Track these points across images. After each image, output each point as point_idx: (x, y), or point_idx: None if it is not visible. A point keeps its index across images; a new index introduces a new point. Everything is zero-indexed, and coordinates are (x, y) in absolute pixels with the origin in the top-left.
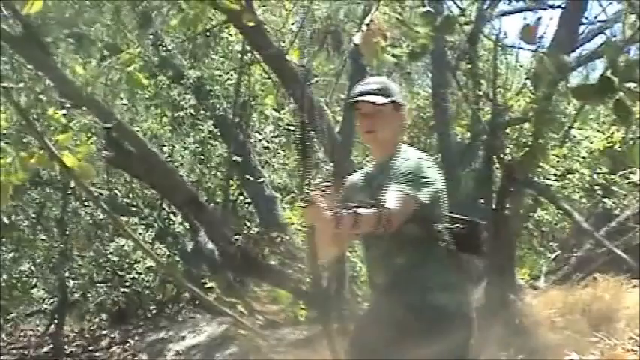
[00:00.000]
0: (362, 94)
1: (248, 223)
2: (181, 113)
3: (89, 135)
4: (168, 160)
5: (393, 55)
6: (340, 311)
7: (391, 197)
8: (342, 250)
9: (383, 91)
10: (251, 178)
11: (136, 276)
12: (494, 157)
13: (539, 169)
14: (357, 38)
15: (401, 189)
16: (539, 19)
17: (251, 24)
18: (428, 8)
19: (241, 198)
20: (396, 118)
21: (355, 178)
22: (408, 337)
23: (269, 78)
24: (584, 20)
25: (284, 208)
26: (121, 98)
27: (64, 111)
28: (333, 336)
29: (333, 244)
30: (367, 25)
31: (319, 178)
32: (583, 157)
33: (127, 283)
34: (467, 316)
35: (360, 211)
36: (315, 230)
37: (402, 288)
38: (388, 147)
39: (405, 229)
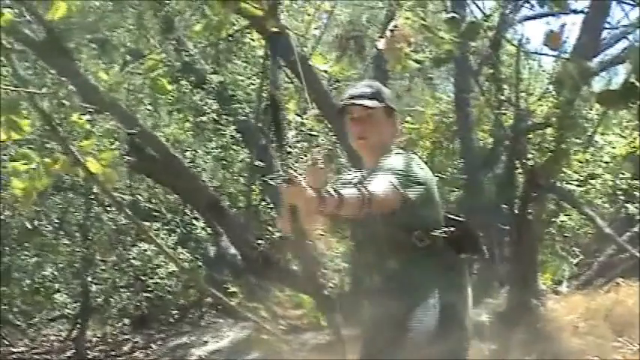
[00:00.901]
0: (353, 97)
1: (270, 228)
2: (204, 118)
3: (112, 140)
4: (191, 165)
5: (416, 61)
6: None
7: (376, 183)
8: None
9: (374, 95)
10: (273, 183)
11: (159, 281)
12: (517, 162)
13: (562, 174)
14: (381, 44)
15: (387, 178)
16: (563, 25)
17: (274, 29)
18: (452, 14)
19: (263, 203)
20: (388, 124)
21: (348, 176)
22: (402, 341)
23: (291, 83)
24: (606, 25)
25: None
26: (144, 103)
27: (88, 116)
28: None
29: (312, 222)
30: (391, 30)
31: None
32: (606, 162)
33: (150, 288)
34: (461, 322)
35: (344, 192)
36: (294, 209)
37: (394, 293)
38: (380, 153)
39: (396, 232)
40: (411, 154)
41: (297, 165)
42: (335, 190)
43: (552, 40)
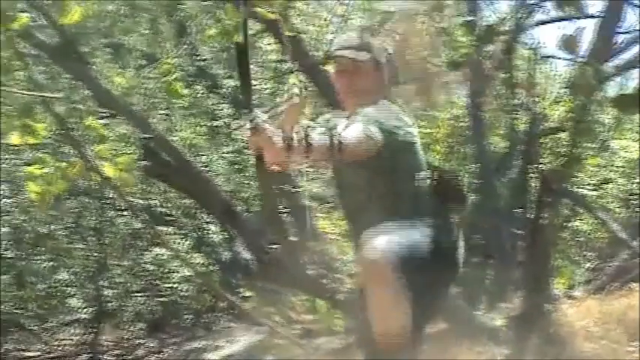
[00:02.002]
0: (340, 48)
1: (284, 233)
2: (218, 123)
3: (126, 145)
4: (205, 169)
5: (432, 65)
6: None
7: (348, 130)
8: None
9: (363, 47)
10: (287, 188)
11: (173, 285)
12: (531, 166)
13: (576, 179)
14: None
15: (360, 126)
16: (581, 28)
17: (289, 34)
18: (469, 18)
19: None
20: (375, 77)
21: (325, 120)
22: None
23: (306, 88)
24: (620, 29)
25: (320, 217)
26: (158, 108)
27: (104, 121)
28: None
29: (279, 167)
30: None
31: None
32: (620, 167)
33: (164, 293)
34: (453, 257)
35: (313, 139)
36: (260, 156)
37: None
38: (365, 106)
39: (374, 181)
40: (391, 102)
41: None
42: (303, 137)
43: (569, 43)
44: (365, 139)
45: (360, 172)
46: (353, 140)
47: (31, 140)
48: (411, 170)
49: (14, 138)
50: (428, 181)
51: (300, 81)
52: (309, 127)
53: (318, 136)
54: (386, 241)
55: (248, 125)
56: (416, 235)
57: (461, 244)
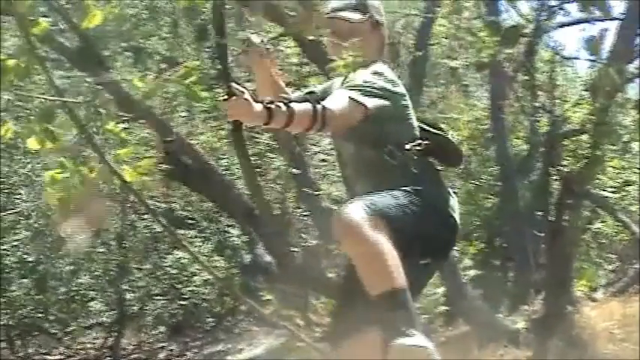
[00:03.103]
0: (335, 10)
1: (305, 236)
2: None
3: (147, 148)
4: (226, 172)
5: (451, 68)
6: None
7: (333, 98)
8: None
9: (359, 7)
10: (308, 191)
11: (194, 289)
12: (552, 168)
13: (597, 181)
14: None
15: (346, 93)
16: (604, 30)
17: (310, 37)
18: (493, 18)
19: (299, 210)
20: (373, 38)
21: (318, 89)
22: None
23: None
24: None
25: None
26: (179, 111)
27: (124, 125)
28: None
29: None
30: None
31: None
32: None
33: (185, 296)
34: (451, 217)
35: (295, 106)
36: (237, 125)
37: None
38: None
39: (366, 148)
40: (383, 65)
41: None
42: (285, 104)
43: (593, 45)
44: (350, 107)
45: (352, 141)
46: (338, 108)
47: (49, 145)
48: (403, 137)
49: (32, 142)
50: (421, 146)
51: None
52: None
53: (300, 104)
54: (356, 203)
55: (227, 92)
56: (400, 197)
57: (455, 207)
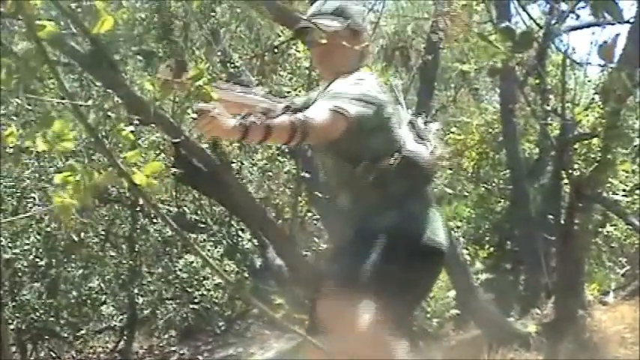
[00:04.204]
0: (312, 16)
1: (317, 240)
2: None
3: (157, 152)
4: (237, 176)
5: (462, 71)
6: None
7: (313, 109)
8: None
9: (338, 13)
10: (319, 195)
11: (205, 293)
12: (563, 172)
13: (608, 185)
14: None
15: (327, 103)
16: (617, 35)
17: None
18: (507, 24)
19: (310, 214)
20: (351, 45)
21: (299, 100)
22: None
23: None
24: None
25: None
26: (189, 114)
27: (132, 127)
28: None
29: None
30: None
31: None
32: None
33: (196, 300)
34: (438, 248)
35: (272, 120)
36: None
37: (347, 228)
38: (342, 74)
39: (343, 162)
40: (364, 74)
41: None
42: (261, 117)
43: (606, 51)
44: (331, 118)
45: (331, 153)
46: (319, 119)
47: (58, 147)
48: (384, 150)
49: (40, 144)
50: (400, 162)
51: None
52: (266, 105)
53: (278, 116)
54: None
55: (198, 110)
56: (374, 248)
57: (438, 229)
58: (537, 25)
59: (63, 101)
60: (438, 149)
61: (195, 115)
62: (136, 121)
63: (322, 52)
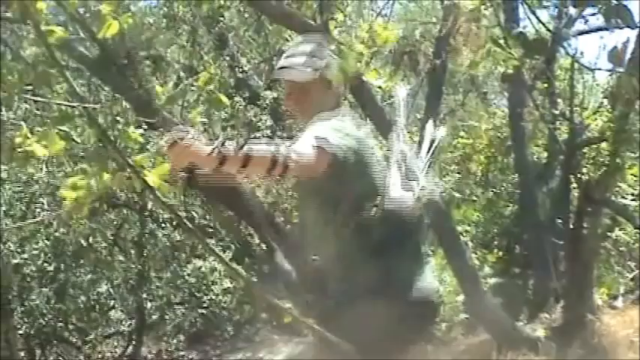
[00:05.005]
0: (283, 67)
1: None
2: (258, 134)
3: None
4: (245, 181)
5: (471, 76)
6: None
7: (298, 143)
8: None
9: (309, 63)
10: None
11: (214, 297)
12: (572, 176)
13: (617, 189)
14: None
15: (310, 139)
16: (627, 40)
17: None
18: (520, 29)
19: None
20: (325, 94)
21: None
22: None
23: (345, 99)
24: None
25: None
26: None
27: (141, 130)
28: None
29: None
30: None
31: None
32: None
33: (205, 305)
34: (428, 301)
35: (253, 148)
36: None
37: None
38: (320, 116)
39: (324, 205)
40: (340, 120)
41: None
42: (239, 146)
43: (616, 56)
44: (314, 153)
45: (313, 195)
46: (303, 153)
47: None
48: (364, 197)
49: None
50: (383, 213)
51: None
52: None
53: (258, 147)
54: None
55: (168, 139)
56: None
57: (427, 278)
58: (547, 29)
59: (74, 104)
60: (426, 190)
61: (167, 140)
62: (145, 126)
63: (296, 101)
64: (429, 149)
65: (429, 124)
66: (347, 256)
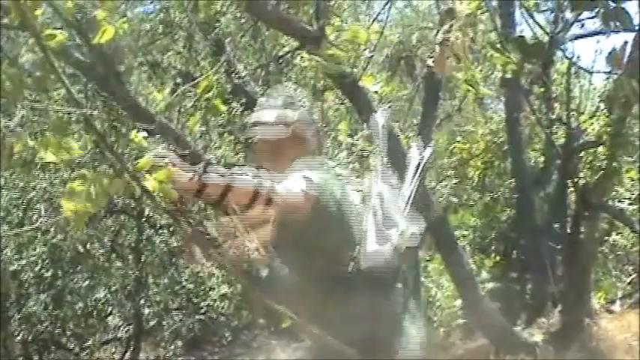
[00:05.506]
0: (255, 124)
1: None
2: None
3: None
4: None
5: (466, 81)
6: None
7: (284, 180)
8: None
9: (280, 121)
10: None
11: (211, 303)
12: (569, 180)
13: (614, 193)
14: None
15: (298, 177)
16: (625, 43)
17: (329, 52)
18: (520, 34)
19: None
20: (298, 149)
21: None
22: None
23: (342, 104)
24: None
25: None
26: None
27: (144, 133)
28: None
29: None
30: (439, 44)
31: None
32: None
33: (202, 311)
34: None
35: (234, 178)
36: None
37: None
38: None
39: (304, 249)
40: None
41: None
42: (219, 173)
43: (615, 59)
44: (301, 193)
45: (289, 238)
46: (284, 189)
47: (64, 156)
48: (341, 248)
49: (49, 156)
50: (359, 270)
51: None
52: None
53: (243, 177)
54: None
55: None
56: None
57: (413, 334)
58: (545, 32)
59: (71, 110)
60: (407, 234)
61: (143, 165)
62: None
63: (267, 158)
64: (415, 174)
65: (414, 147)
66: (322, 314)
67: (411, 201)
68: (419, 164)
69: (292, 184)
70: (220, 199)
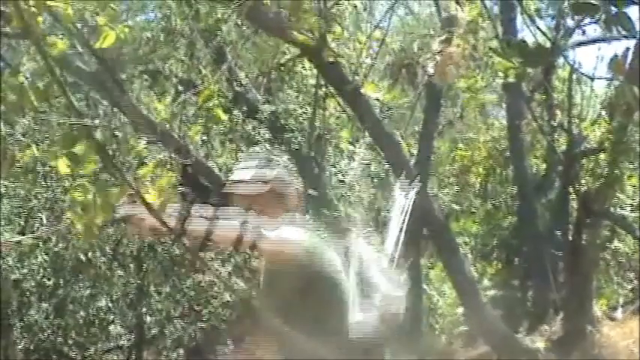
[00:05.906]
0: (235, 182)
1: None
2: (256, 148)
3: (165, 169)
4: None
5: (468, 88)
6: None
7: (276, 230)
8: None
9: (259, 179)
10: (326, 212)
11: (213, 311)
12: (570, 187)
13: (616, 200)
14: (431, 67)
15: (287, 229)
16: (627, 50)
17: (331, 59)
18: (521, 39)
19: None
20: (277, 206)
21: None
22: None
23: (344, 112)
24: None
25: None
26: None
27: (144, 142)
28: None
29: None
30: (439, 52)
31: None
32: None
33: (204, 318)
34: None
35: (215, 225)
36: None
37: None
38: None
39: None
40: (290, 229)
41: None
42: (206, 217)
43: (617, 66)
44: (284, 240)
45: (275, 290)
46: (275, 238)
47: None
48: (326, 314)
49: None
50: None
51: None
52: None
53: (226, 224)
54: None
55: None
56: None
57: None
58: (547, 38)
59: (72, 120)
60: (389, 299)
61: (120, 216)
62: (144, 140)
63: (251, 210)
64: (400, 218)
65: (398, 192)
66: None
67: (397, 247)
68: (404, 208)
69: (282, 231)
70: (203, 245)
